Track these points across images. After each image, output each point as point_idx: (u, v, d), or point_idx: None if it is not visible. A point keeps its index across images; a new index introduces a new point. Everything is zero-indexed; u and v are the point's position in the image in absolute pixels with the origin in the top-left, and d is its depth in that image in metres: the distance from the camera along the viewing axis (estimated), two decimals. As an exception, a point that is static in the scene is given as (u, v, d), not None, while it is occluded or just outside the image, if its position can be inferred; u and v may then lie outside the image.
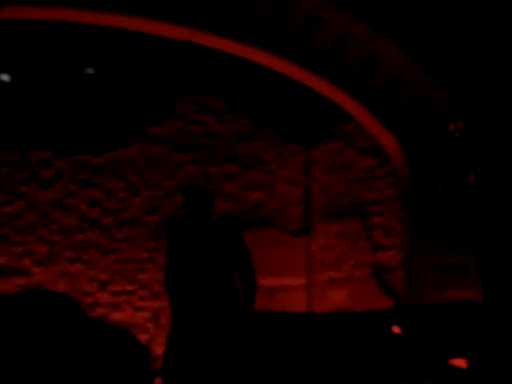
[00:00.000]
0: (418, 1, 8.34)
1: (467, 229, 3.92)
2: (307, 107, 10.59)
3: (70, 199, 10.43)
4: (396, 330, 5.83)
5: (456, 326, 5.89)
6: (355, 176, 10.28)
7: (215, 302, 5.04)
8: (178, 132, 10.76)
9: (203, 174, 10.74)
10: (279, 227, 10.81)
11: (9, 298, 5.43)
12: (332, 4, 8.51)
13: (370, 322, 6.17)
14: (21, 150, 10.29)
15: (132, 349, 6.17)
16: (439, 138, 8.80)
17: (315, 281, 10.60)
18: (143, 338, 9.88)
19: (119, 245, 10.45)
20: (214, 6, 8.82)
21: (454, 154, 4.23)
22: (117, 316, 10.22)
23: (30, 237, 10.23)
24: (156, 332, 10.21)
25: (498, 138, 3.82)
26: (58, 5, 8.15)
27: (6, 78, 9.02)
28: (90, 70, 9.59)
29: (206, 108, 10.85)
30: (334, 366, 6.04)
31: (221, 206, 10.76)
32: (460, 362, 5.56)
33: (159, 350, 9.26)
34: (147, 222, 10.56)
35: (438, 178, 8.62)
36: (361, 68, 8.93)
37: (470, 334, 5.63)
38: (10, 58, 9.40)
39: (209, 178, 10.75)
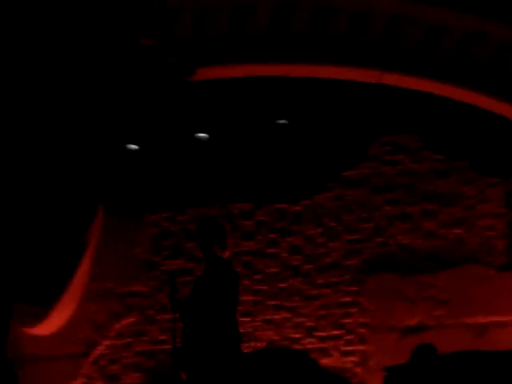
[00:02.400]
0: None
1: None
2: (503, 137, 10.34)
3: (271, 248, 10.62)
4: None
5: None
6: (562, 204, 9.90)
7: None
8: (373, 174, 10.76)
9: (401, 213, 10.66)
10: (483, 263, 10.53)
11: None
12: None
13: None
14: (222, 203, 10.61)
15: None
16: None
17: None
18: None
19: (322, 290, 10.51)
20: (401, 46, 8.85)
21: None
22: (325, 361, 10.25)
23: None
24: (365, 376, 10.16)
25: None
26: (250, 62, 8.43)
27: (204, 136, 9.39)
28: (282, 121, 9.79)
29: (398, 147, 10.79)
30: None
31: (421, 243, 10.63)
32: None
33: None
34: (348, 266, 10.57)
35: None
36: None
37: None
38: (206, 116, 9.76)
39: (407, 217, 10.66)
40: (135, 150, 9.52)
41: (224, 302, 5.92)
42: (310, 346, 10.34)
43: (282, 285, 10.55)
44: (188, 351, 5.84)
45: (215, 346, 5.81)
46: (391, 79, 9.17)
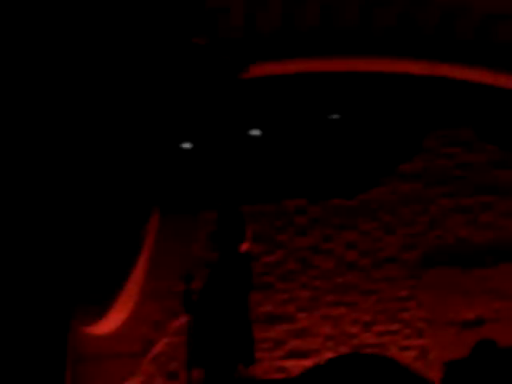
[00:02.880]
0: None
1: None
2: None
3: (326, 244, 10.59)
4: None
5: None
6: None
7: None
8: (427, 167, 10.68)
9: (457, 206, 10.56)
10: (544, 255, 10.39)
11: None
12: None
13: None
14: (276, 200, 10.61)
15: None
16: None
17: None
18: (412, 377, 9.79)
19: (379, 285, 10.46)
20: (452, 36, 8.78)
21: None
22: (383, 356, 10.20)
23: (292, 284, 10.47)
24: (425, 371, 10.07)
25: None
26: (302, 57, 8.42)
27: (257, 132, 9.40)
28: (334, 116, 9.76)
29: (453, 140, 10.70)
30: None
31: (479, 236, 10.51)
32: None
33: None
34: (404, 260, 10.51)
35: None
36: None
37: None
38: (259, 113, 9.77)
39: (463, 209, 10.56)
40: (189, 149, 9.56)
41: (235, 297, 5.87)
42: (368, 342, 10.30)
43: (338, 280, 10.51)
44: (203, 349, 5.81)
45: (226, 343, 5.79)
46: (445, 71, 9.09)
